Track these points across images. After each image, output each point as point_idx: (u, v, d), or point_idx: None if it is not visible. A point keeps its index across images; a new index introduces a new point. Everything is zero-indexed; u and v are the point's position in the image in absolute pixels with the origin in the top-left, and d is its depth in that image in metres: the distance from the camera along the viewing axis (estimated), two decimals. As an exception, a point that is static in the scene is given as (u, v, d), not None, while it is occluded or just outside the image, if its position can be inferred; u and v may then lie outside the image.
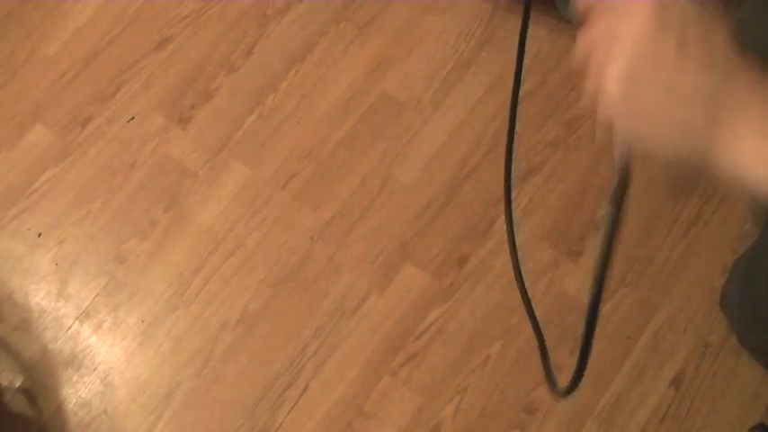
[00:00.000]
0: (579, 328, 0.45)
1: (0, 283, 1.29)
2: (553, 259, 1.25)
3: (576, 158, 1.31)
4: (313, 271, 1.27)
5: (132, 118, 1.39)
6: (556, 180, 1.30)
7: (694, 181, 1.24)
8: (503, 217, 1.28)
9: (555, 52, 1.38)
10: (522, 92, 0.62)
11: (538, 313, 0.57)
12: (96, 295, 1.28)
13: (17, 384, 1.23)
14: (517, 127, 0.60)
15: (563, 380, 0.50)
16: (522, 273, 0.56)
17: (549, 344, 0.56)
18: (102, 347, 1.25)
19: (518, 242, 0.59)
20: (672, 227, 1.27)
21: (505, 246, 1.27)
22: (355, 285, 1.26)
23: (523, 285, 0.56)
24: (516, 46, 0.57)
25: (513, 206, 1.29)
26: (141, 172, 1.35)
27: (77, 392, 1.23)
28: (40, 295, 1.28)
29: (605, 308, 1.22)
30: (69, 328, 1.26)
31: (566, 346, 1.16)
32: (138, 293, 1.28)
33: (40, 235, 1.32)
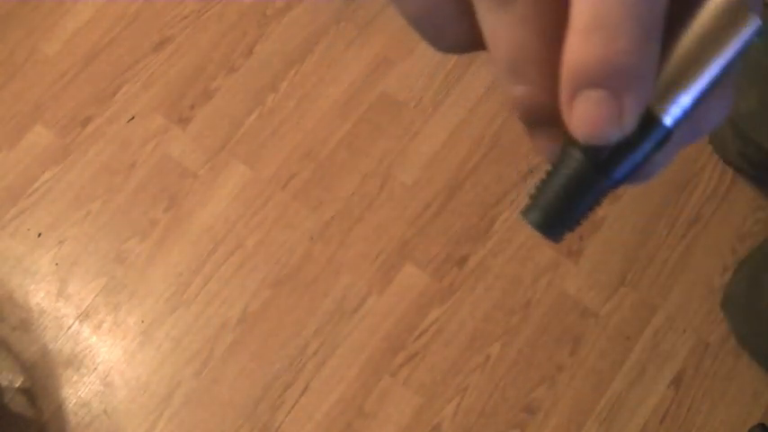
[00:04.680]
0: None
1: (0, 283, 1.29)
2: (553, 261, 1.25)
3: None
4: (313, 271, 1.27)
5: (132, 118, 1.39)
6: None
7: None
8: (503, 216, 1.28)
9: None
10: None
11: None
12: (96, 295, 1.28)
13: (17, 384, 1.23)
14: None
15: None
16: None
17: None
18: (102, 347, 1.25)
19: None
20: (672, 227, 1.27)
21: (505, 245, 1.28)
22: (355, 285, 1.26)
23: None
24: None
25: (514, 206, 1.29)
26: (141, 172, 1.35)
27: (77, 392, 1.23)
28: (40, 295, 1.28)
29: (605, 308, 1.22)
30: (69, 328, 1.26)
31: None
32: (138, 293, 1.28)
33: (40, 235, 1.32)
